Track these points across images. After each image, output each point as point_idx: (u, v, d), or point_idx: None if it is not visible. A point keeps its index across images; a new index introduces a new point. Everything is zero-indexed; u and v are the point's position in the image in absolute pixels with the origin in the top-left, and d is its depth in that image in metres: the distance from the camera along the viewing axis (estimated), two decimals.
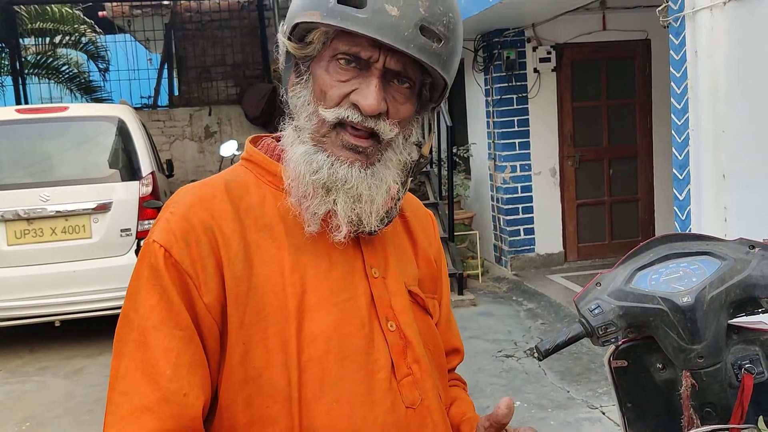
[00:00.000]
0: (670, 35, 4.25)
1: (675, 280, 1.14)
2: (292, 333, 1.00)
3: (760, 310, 1.15)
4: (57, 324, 5.64)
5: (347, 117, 1.00)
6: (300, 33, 1.02)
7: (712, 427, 1.12)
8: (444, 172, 7.34)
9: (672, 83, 4.27)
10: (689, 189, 4.15)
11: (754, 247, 1.15)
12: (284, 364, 0.99)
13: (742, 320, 1.17)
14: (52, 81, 12.58)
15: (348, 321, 1.03)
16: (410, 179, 1.12)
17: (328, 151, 1.02)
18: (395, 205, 1.10)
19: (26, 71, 11.93)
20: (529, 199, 7.51)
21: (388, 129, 1.01)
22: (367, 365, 1.03)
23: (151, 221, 5.55)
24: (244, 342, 0.99)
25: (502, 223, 7.65)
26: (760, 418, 1.12)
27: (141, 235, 5.62)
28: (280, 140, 1.11)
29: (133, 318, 0.99)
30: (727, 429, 1.11)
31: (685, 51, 4.09)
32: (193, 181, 1.16)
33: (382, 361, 1.04)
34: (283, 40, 1.05)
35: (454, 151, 7.48)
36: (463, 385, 1.34)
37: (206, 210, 1.02)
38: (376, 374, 1.03)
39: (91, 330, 5.81)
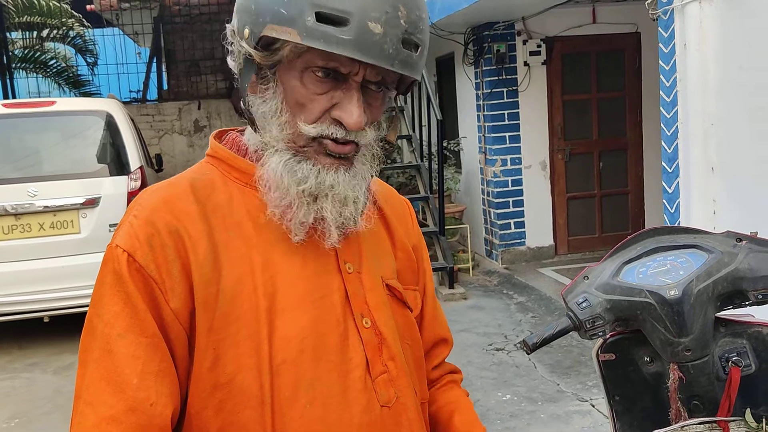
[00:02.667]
0: (659, 28, 4.26)
1: (662, 274, 1.14)
2: (264, 335, 0.97)
3: (747, 303, 1.15)
4: (46, 320, 5.61)
5: (331, 134, 0.96)
6: (265, 42, 0.95)
7: (699, 420, 1.12)
8: (434, 166, 7.33)
9: (661, 76, 4.27)
10: (678, 182, 4.16)
11: (741, 240, 1.15)
12: (256, 367, 0.97)
13: (729, 313, 1.17)
14: (40, 75, 12.49)
15: (323, 319, 1.01)
16: (378, 167, 1.10)
17: (311, 159, 0.98)
18: (366, 195, 1.07)
19: (13, 65, 11.83)
20: (520, 192, 7.52)
21: (368, 136, 1.00)
22: (341, 364, 1.01)
23: None
24: (214, 347, 0.97)
25: (492, 217, 7.65)
26: (747, 410, 1.12)
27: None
28: (244, 132, 1.08)
29: (97, 325, 0.97)
30: (715, 422, 1.12)
31: (674, 44, 4.09)
32: None
33: (356, 359, 1.02)
34: (244, 47, 0.97)
35: (445, 144, 7.48)
36: (459, 376, 1.30)
37: (171, 212, 0.98)
38: (350, 373, 1.01)
39: (80, 326, 5.71)
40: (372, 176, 1.07)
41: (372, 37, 0.90)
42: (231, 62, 1.03)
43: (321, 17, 0.89)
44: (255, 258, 1.00)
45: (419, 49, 0.95)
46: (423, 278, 1.24)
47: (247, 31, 0.97)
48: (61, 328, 5.83)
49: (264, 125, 1.00)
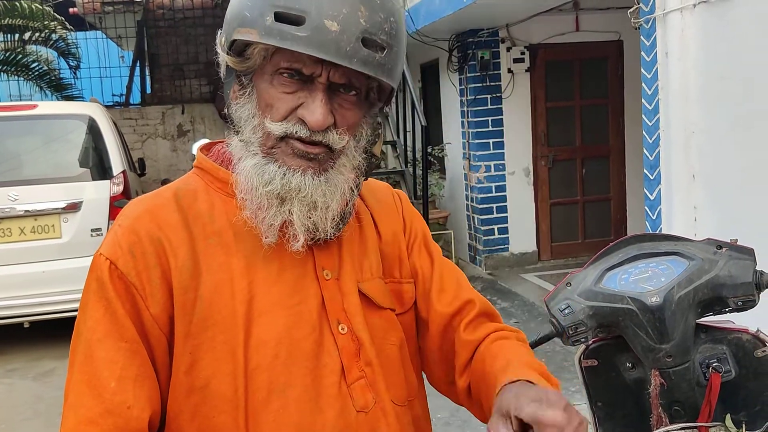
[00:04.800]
0: (642, 37, 4.30)
1: (644, 280, 1.15)
2: (240, 340, 0.99)
3: (727, 310, 1.16)
4: (26, 325, 5.55)
5: (295, 132, 0.98)
6: (239, 48, 1.00)
7: (680, 425, 1.13)
8: (419, 172, 7.35)
9: (643, 84, 4.31)
10: (660, 189, 4.20)
11: (721, 248, 1.17)
12: (232, 372, 0.99)
13: (709, 320, 1.18)
14: (22, 78, 12.35)
15: (298, 325, 1.02)
16: (362, 179, 1.10)
17: (279, 161, 1.00)
18: (349, 207, 1.08)
19: None
20: (503, 198, 7.55)
21: (338, 139, 1.00)
22: (315, 370, 1.02)
23: None
24: (190, 352, 0.99)
25: (476, 223, 7.68)
26: (728, 416, 1.13)
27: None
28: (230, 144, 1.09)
29: (82, 330, 1.00)
30: (695, 427, 1.13)
31: (656, 52, 4.13)
32: (165, 179, 1.15)
33: (331, 365, 1.03)
34: (221, 54, 1.03)
35: (429, 150, 7.49)
36: (511, 334, 1.13)
37: (153, 221, 1.02)
38: (324, 379, 1.02)
39: (61, 331, 5.69)
40: (353, 189, 1.06)
41: (327, 35, 0.92)
42: (222, 74, 1.07)
43: (279, 17, 0.93)
44: (234, 265, 1.02)
45: (385, 51, 0.96)
46: (425, 257, 1.19)
47: (223, 39, 1.03)
48: (41, 333, 5.77)
49: (241, 130, 1.03)
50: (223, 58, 1.03)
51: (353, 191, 1.07)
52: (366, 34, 0.94)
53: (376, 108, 1.09)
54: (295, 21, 0.92)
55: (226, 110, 1.07)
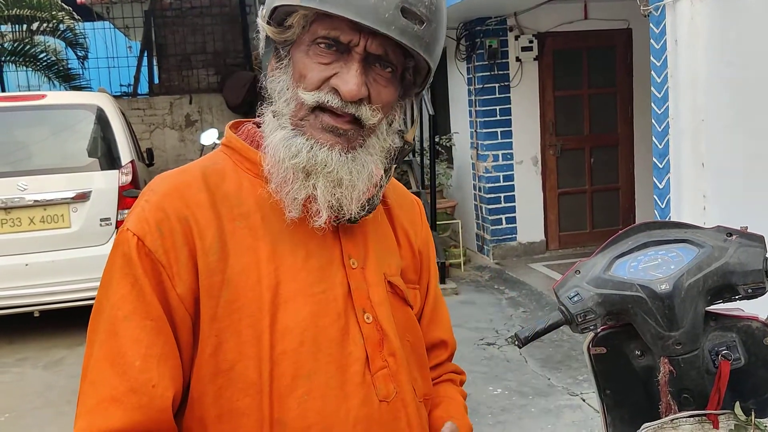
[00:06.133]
0: (651, 24, 4.27)
1: (653, 268, 1.15)
2: (265, 325, 0.98)
3: (736, 297, 1.16)
4: (36, 314, 5.58)
5: (327, 102, 0.97)
6: (279, 17, 1.00)
7: (689, 413, 1.13)
8: (426, 161, 7.33)
9: (652, 72, 4.29)
10: (669, 177, 4.18)
11: (731, 235, 1.16)
12: (257, 356, 0.98)
13: (719, 307, 1.18)
14: (30, 69, 12.38)
15: (323, 312, 1.01)
16: (394, 166, 1.10)
17: (307, 134, 0.99)
18: (377, 192, 1.07)
19: (3, 59, 11.75)
20: (511, 188, 7.53)
21: (370, 114, 0.99)
22: (340, 358, 1.01)
23: None
24: (216, 334, 0.98)
25: (484, 212, 7.66)
26: (737, 403, 1.13)
27: (121, 225, 5.56)
28: (261, 126, 1.08)
29: (105, 307, 0.98)
30: (704, 415, 1.12)
31: (666, 40, 4.10)
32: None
33: (356, 353, 1.03)
34: (262, 25, 1.03)
35: (437, 140, 7.48)
36: (459, 376, 1.29)
37: (181, 199, 1.00)
38: (349, 367, 1.02)
39: (71, 320, 5.76)
40: (383, 174, 1.06)
41: (367, 0, 0.92)
42: (261, 48, 1.07)
43: None
44: (261, 249, 1.01)
45: (424, 24, 0.96)
46: (426, 278, 1.24)
47: (264, 10, 1.02)
48: (51, 323, 5.81)
49: (275, 102, 1.03)
50: (263, 28, 1.02)
51: (383, 177, 1.07)
52: (405, 3, 0.94)
53: (412, 92, 1.08)
54: None
55: (261, 83, 1.06)
